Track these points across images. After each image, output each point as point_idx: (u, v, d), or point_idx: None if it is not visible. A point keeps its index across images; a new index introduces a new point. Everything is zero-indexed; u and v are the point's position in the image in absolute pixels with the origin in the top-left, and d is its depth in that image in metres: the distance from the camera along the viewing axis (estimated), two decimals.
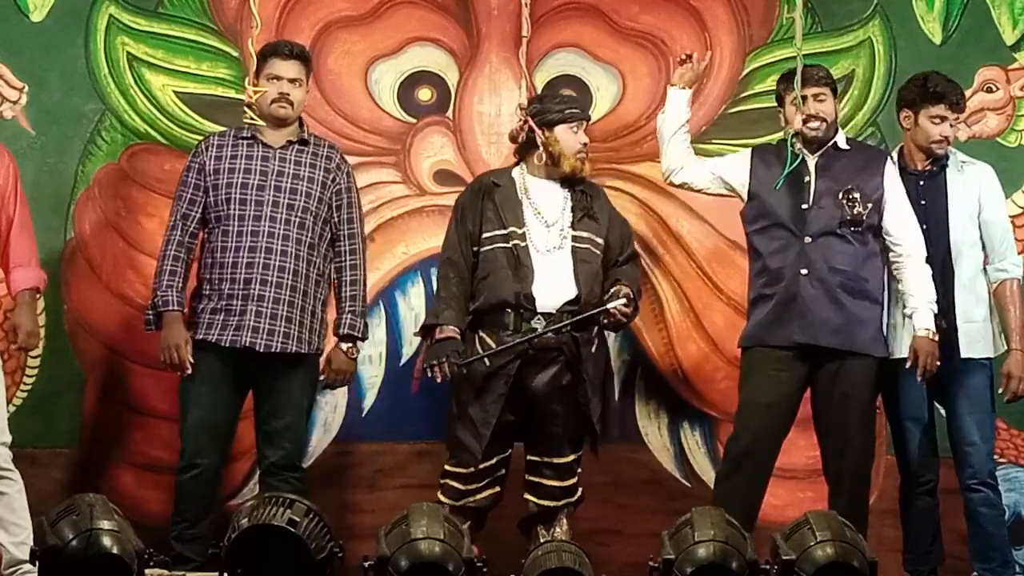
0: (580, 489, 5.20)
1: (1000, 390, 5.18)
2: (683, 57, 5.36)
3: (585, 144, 5.21)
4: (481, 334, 5.09)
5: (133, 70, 5.80)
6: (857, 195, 5.11)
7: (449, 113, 5.91)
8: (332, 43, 5.86)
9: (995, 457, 5.34)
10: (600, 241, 5.17)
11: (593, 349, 5.13)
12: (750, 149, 5.37)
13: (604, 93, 5.90)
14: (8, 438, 5.01)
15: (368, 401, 5.76)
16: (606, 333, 5.29)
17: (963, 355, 5.15)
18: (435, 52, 5.91)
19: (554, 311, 5.05)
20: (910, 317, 5.09)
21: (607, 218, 5.23)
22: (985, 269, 5.24)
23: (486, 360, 5.03)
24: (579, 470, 5.19)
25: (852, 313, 5.08)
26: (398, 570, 3.96)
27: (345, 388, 5.53)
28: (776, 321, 5.10)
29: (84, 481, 5.49)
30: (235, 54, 5.79)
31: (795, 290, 5.07)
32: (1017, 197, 5.84)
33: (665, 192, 5.82)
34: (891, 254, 5.17)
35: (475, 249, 5.11)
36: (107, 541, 3.90)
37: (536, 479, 5.13)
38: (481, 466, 5.05)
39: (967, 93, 5.77)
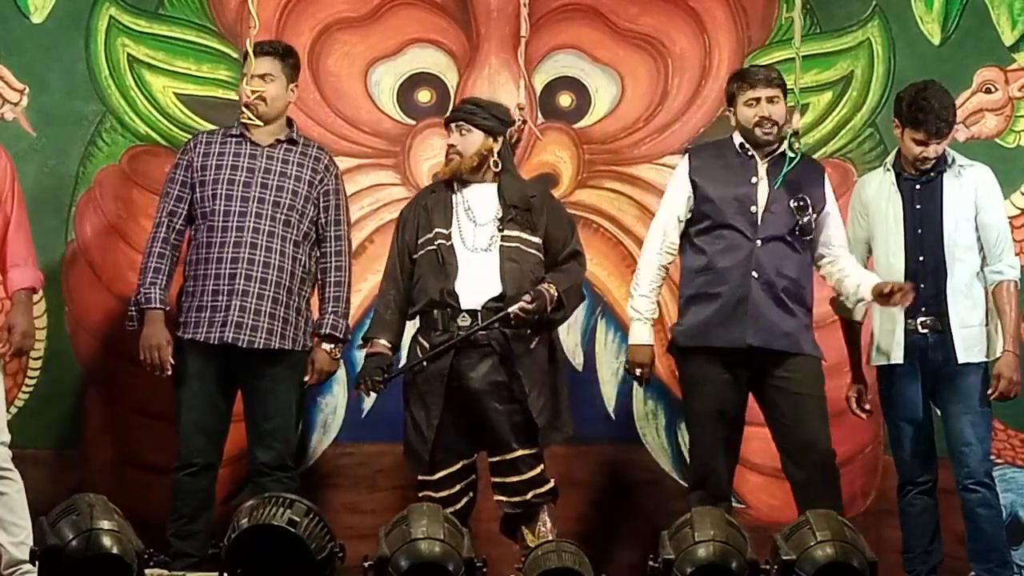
0: (551, 481, 5.13)
1: (990, 390, 5.16)
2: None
3: (451, 146, 5.17)
4: (419, 338, 5.13)
5: (133, 72, 5.81)
6: (806, 204, 5.09)
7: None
8: (332, 44, 5.87)
9: (992, 458, 5.33)
10: (535, 240, 5.13)
11: (532, 346, 5.10)
12: (685, 158, 5.27)
13: (603, 95, 5.91)
14: (7, 437, 5.00)
15: (368, 402, 5.76)
16: (556, 332, 5.26)
17: (960, 360, 5.13)
18: (435, 54, 5.92)
19: (479, 308, 5.04)
20: (856, 287, 5.08)
21: (545, 217, 5.18)
22: (983, 272, 5.23)
23: (425, 364, 5.04)
24: (540, 464, 5.10)
25: (797, 318, 5.08)
26: (398, 570, 3.97)
27: (344, 390, 5.54)
28: (723, 323, 5.05)
29: (85, 482, 5.50)
30: (235, 56, 5.79)
31: (744, 292, 5.03)
32: (1016, 198, 5.84)
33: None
34: (825, 260, 5.17)
35: (413, 257, 5.15)
36: (107, 541, 3.91)
37: (499, 479, 5.10)
38: (447, 471, 5.03)
39: (965, 94, 5.80)
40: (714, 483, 5.10)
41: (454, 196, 5.18)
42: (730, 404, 5.10)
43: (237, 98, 5.28)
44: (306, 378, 5.20)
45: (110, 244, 5.75)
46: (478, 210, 5.15)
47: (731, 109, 5.20)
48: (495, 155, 5.17)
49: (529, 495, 5.08)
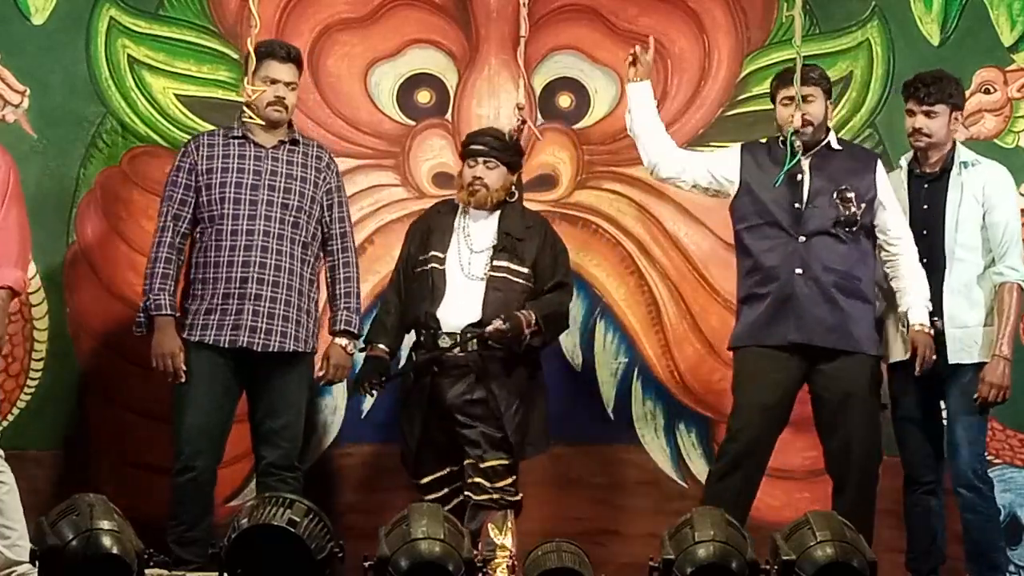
0: (520, 495, 5.21)
1: (976, 395, 5.12)
2: (631, 58, 5.30)
3: (477, 178, 5.23)
4: (412, 352, 5.33)
5: (134, 73, 5.82)
6: (851, 195, 5.09)
7: (448, 116, 5.93)
8: (332, 45, 5.88)
9: (990, 458, 5.32)
10: (523, 271, 5.23)
11: (510, 367, 5.19)
12: (739, 145, 5.33)
13: (602, 95, 5.92)
14: None
15: (367, 403, 5.77)
16: (540, 356, 5.33)
17: (950, 360, 5.10)
18: (434, 54, 5.93)
19: (458, 331, 5.16)
20: (905, 313, 5.08)
21: (536, 249, 5.28)
22: (987, 272, 5.20)
23: (410, 374, 5.24)
24: (512, 476, 5.18)
25: (846, 312, 5.07)
26: (398, 570, 3.97)
27: (344, 390, 5.55)
28: (770, 321, 5.10)
29: (85, 482, 5.50)
30: (235, 56, 5.80)
31: (790, 289, 5.07)
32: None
33: (662, 195, 5.84)
34: (884, 253, 5.16)
35: (412, 272, 5.29)
36: (107, 541, 3.91)
37: (473, 479, 5.18)
38: (433, 476, 5.22)
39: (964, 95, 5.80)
40: (747, 469, 5.09)
41: (456, 221, 5.28)
42: (774, 401, 5.11)
43: (241, 99, 5.26)
44: (319, 374, 5.22)
45: (111, 246, 5.75)
46: (476, 238, 5.26)
47: (773, 106, 5.22)
48: (512, 188, 5.32)
49: (497, 496, 5.17)
